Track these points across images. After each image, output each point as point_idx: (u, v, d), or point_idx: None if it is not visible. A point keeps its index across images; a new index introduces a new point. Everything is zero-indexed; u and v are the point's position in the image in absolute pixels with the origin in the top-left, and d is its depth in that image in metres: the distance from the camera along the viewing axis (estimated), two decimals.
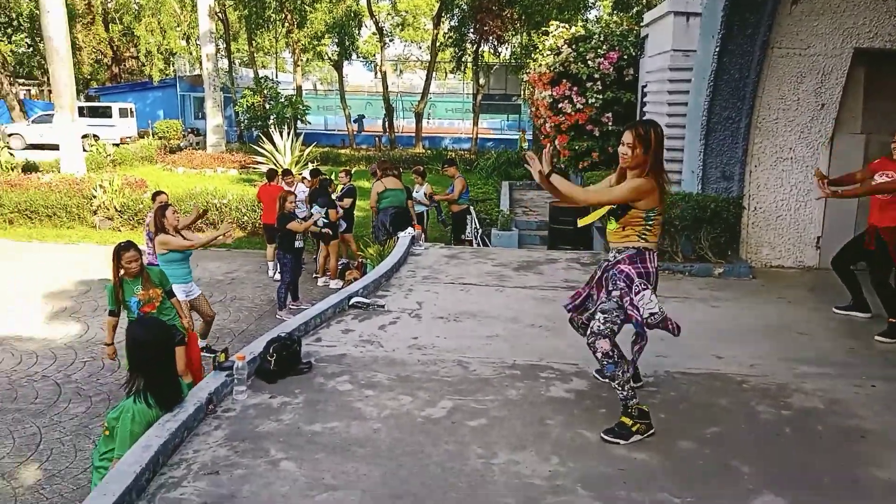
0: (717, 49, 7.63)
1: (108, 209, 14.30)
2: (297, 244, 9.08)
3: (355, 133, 33.95)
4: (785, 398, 4.59)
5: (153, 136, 30.21)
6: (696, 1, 9.03)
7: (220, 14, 30.05)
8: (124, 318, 5.68)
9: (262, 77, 30.23)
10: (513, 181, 19.24)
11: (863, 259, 6.34)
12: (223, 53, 32.77)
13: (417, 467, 3.64)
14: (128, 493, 3.21)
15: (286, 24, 32.30)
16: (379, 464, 3.66)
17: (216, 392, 4.30)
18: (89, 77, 40.51)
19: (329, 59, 36.08)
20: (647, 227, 3.98)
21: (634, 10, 20.11)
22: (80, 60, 35.25)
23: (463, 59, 31.97)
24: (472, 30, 29.29)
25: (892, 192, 5.83)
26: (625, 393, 3.91)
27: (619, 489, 3.47)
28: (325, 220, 9.88)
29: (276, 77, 35.78)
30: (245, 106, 27.00)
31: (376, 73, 40.83)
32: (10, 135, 28.25)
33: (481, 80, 31.57)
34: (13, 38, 40.02)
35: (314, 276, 10.92)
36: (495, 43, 29.46)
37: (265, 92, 27.06)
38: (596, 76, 12.26)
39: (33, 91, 44.24)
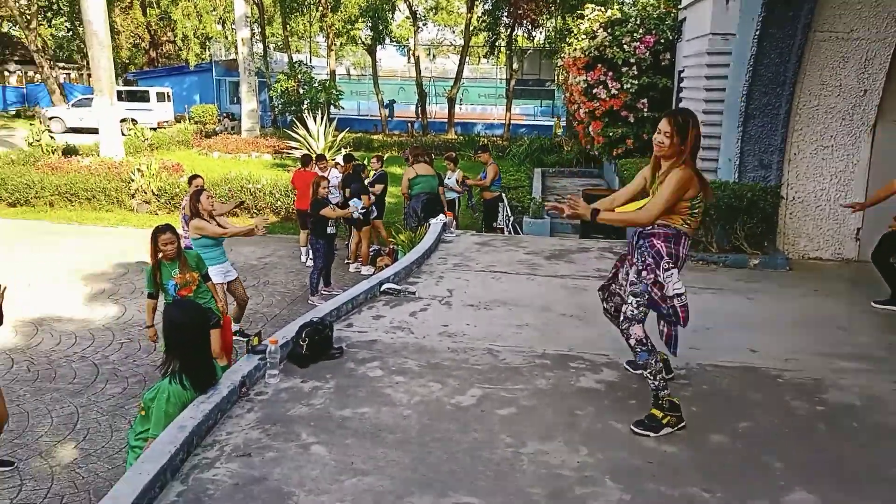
0: (758, 32, 7.46)
1: (146, 193, 14.53)
2: (330, 230, 9.13)
3: (387, 119, 33.98)
4: (820, 393, 4.51)
5: (189, 121, 30.58)
6: None
7: None
8: (163, 301, 5.78)
9: (296, 62, 30.39)
10: (545, 168, 19.09)
11: None
12: (258, 38, 32.98)
13: (446, 454, 3.66)
14: (162, 472, 3.28)
15: (320, 8, 32.38)
16: (408, 450, 3.69)
17: (249, 375, 4.37)
18: (127, 61, 41.12)
19: (363, 43, 36.08)
20: (692, 214, 3.94)
21: None
22: (118, 45, 35.76)
23: (496, 44, 31.75)
24: (506, 13, 29.06)
25: None
26: (656, 383, 3.88)
27: (648, 482, 3.45)
28: (361, 214, 9.94)
29: (310, 62, 35.93)
30: (279, 91, 27.16)
31: (409, 58, 40.75)
32: (50, 118, 28.84)
33: (515, 65, 31.33)
34: (53, 22, 40.80)
35: (346, 261, 10.99)
36: (529, 27, 29.21)
37: (299, 77, 27.19)
38: (632, 61, 12.09)
39: (73, 75, 45.05)
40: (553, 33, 28.74)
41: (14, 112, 36.49)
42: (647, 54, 12.04)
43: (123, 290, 9.46)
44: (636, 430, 3.89)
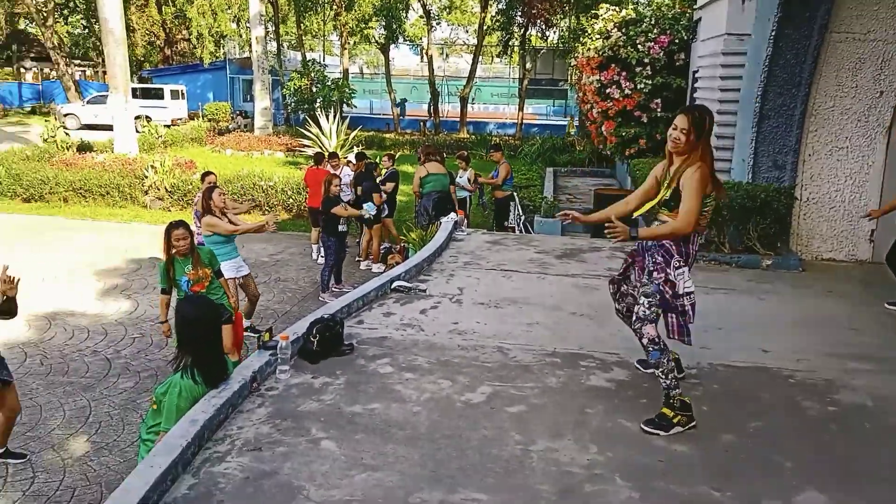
0: (774, 33, 7.42)
1: (159, 189, 14.61)
2: (341, 228, 9.16)
3: (399, 117, 34.04)
4: (832, 394, 4.49)
5: (203, 118, 30.73)
6: None
7: None
8: (175, 296, 5.81)
9: (309, 60, 30.47)
10: (557, 167, 19.06)
11: None
12: (272, 36, 33.11)
13: (456, 451, 3.66)
14: (174, 466, 3.30)
15: (334, 7, 32.46)
16: (418, 446, 3.70)
17: (260, 371, 4.39)
18: (142, 59, 41.40)
19: (376, 42, 36.16)
20: (702, 212, 3.93)
21: None
22: (133, 42, 36.01)
23: (510, 43, 31.72)
24: (519, 13, 29.03)
25: None
26: (668, 382, 3.87)
27: (658, 481, 3.45)
28: (373, 215, 9.98)
29: (324, 60, 36.03)
30: (292, 89, 27.26)
31: (422, 57, 40.80)
32: (65, 115, 29.07)
33: (528, 65, 31.30)
34: (69, 19, 41.14)
35: (357, 259, 11.02)
36: (543, 26, 29.18)
37: (312, 75, 27.28)
38: (646, 61, 12.05)
39: (88, 72, 45.38)
40: (567, 33, 28.66)
41: (30, 108, 36.82)
42: (662, 54, 12.00)
43: (136, 286, 9.52)
44: (646, 428, 3.88)
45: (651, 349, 3.87)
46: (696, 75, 11.11)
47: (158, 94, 30.71)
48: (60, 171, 15.16)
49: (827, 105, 7.77)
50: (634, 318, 3.97)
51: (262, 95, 27.05)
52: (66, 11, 39.52)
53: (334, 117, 21.90)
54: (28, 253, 10.74)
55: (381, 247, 10.81)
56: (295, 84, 27.07)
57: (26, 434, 5.63)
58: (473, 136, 29.40)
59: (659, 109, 12.03)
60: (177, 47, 42.75)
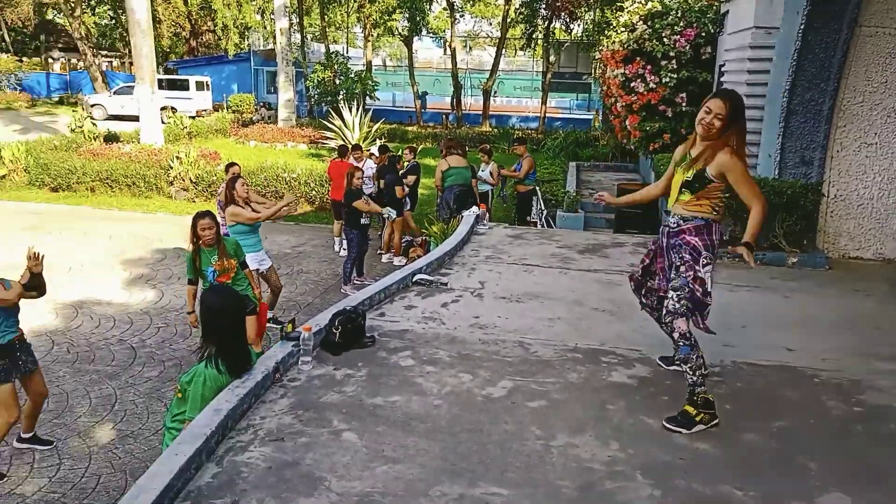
0: (802, 26, 7.31)
1: (184, 180, 14.76)
2: (364, 221, 9.19)
3: (421, 110, 34.02)
4: (857, 394, 4.43)
5: (227, 110, 30.94)
6: None
7: None
8: (201, 287, 5.87)
9: (332, 52, 30.53)
10: (580, 162, 18.94)
11: None
12: (296, 28, 33.21)
13: (476, 445, 3.67)
14: (198, 454, 3.34)
15: None
16: (438, 439, 3.71)
17: (283, 361, 4.42)
18: (168, 50, 41.72)
19: (399, 34, 36.12)
20: (723, 199, 3.90)
21: None
22: (159, 34, 36.26)
23: (534, 36, 31.49)
24: (543, 5, 28.82)
25: None
26: (694, 378, 3.84)
27: (680, 478, 3.43)
28: (393, 217, 10.03)
29: (347, 52, 36.10)
30: (315, 81, 27.32)
31: (445, 50, 40.71)
32: (92, 105, 29.43)
33: (551, 58, 31.09)
34: (97, 10, 41.57)
35: (379, 252, 11.05)
36: (567, 19, 28.93)
37: (335, 67, 27.32)
38: (671, 54, 11.90)
39: (115, 63, 45.85)
40: (591, 26, 28.40)
41: (57, 99, 37.29)
42: (688, 48, 11.84)
43: (161, 276, 9.63)
44: (668, 426, 3.86)
45: (682, 343, 3.84)
46: (723, 69, 10.97)
47: (184, 86, 30.95)
48: (87, 161, 15.37)
49: (856, 100, 7.64)
50: (665, 311, 3.95)
51: (286, 87, 27.16)
52: (93, 2, 39.90)
53: (357, 110, 21.94)
54: (55, 242, 10.90)
55: (403, 240, 10.84)
56: (318, 76, 27.14)
57: (53, 421, 5.73)
58: (496, 130, 29.31)
59: (684, 104, 11.89)
60: (202, 39, 43.04)
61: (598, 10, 26.70)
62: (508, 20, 31.51)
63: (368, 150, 13.35)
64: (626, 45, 12.46)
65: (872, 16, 7.34)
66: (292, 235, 12.19)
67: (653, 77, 12.04)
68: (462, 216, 9.07)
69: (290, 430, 3.76)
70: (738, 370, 4.74)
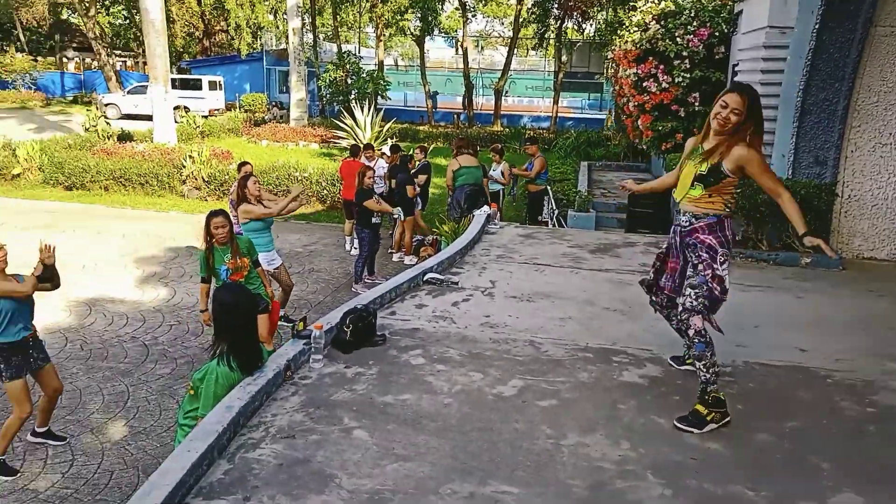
0: (817, 25, 7.26)
1: (196, 179, 14.84)
2: (375, 220, 9.21)
3: (432, 110, 34.04)
4: (871, 395, 4.40)
5: (239, 109, 31.07)
6: None
7: None
8: (214, 285, 5.90)
9: (344, 52, 30.61)
10: (592, 161, 18.90)
11: None
12: (308, 28, 33.32)
13: (486, 444, 3.67)
14: (210, 451, 3.36)
15: None
16: (449, 438, 3.71)
17: (294, 359, 4.44)
18: (181, 50, 41.95)
19: (411, 34, 36.17)
20: (735, 195, 3.90)
21: None
22: (173, 33, 36.50)
23: (546, 36, 31.45)
24: (556, 5, 28.78)
25: None
26: (707, 376, 3.83)
27: (691, 478, 3.42)
28: (402, 218, 10.06)
29: (359, 52, 36.16)
30: (328, 80, 27.41)
31: (457, 49, 40.71)
32: (106, 104, 29.64)
33: (563, 58, 31.03)
34: (111, 9, 41.85)
35: (390, 251, 11.07)
36: (579, 19, 28.90)
37: (347, 67, 27.41)
38: (684, 54, 11.86)
39: (129, 63, 46.17)
40: (604, 26, 28.30)
41: (71, 98, 37.58)
42: (701, 47, 11.79)
43: (173, 274, 9.69)
44: (679, 425, 3.84)
45: (697, 341, 3.83)
46: (737, 69, 10.91)
47: (197, 85, 31.12)
48: (101, 159, 15.49)
49: (871, 100, 7.58)
50: (681, 308, 3.93)
51: (298, 87, 27.26)
52: (107, 2, 40.18)
53: (369, 109, 21.99)
54: (69, 240, 10.99)
55: (414, 239, 10.85)
56: (330, 76, 27.22)
57: (66, 417, 5.78)
58: (507, 129, 29.28)
59: (697, 103, 11.84)
60: (215, 38, 43.24)
61: (610, 9, 26.65)
62: (521, 20, 31.47)
63: (380, 150, 13.38)
64: (638, 45, 12.42)
65: (888, 15, 7.28)
66: (304, 234, 12.23)
67: (665, 77, 11.99)
68: (473, 215, 9.07)
69: (301, 427, 3.77)
70: (751, 370, 4.71)
